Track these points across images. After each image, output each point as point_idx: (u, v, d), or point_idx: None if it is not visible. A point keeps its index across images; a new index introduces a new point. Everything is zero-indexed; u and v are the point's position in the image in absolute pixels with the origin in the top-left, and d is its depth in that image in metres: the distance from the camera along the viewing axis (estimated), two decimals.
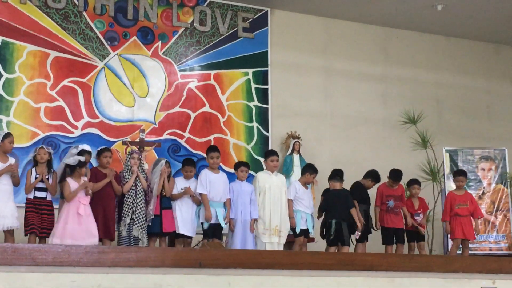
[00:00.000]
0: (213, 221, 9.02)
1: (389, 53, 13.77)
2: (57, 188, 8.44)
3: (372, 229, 10.27)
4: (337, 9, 12.94)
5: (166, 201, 9.08)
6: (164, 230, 8.94)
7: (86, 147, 8.79)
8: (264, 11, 12.71)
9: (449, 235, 10.40)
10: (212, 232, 9.01)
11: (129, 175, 8.84)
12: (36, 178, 8.32)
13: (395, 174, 10.33)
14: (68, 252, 5.96)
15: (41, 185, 8.34)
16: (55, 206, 8.54)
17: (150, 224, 8.81)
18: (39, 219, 8.21)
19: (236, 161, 11.30)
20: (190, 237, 9.23)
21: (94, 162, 9.29)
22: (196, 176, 9.51)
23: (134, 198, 8.74)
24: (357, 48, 13.48)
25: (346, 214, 9.58)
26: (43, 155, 8.42)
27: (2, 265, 5.68)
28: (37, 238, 8.21)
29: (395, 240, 10.20)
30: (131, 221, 8.62)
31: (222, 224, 9.06)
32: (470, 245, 10.67)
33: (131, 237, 8.60)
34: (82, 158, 8.42)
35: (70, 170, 8.37)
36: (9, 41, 10.87)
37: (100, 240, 8.39)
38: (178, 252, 6.55)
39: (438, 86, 13.99)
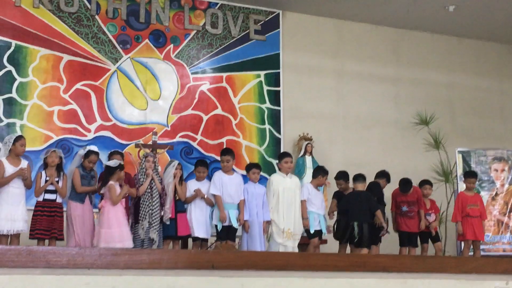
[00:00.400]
0: (226, 223, 9.08)
1: (401, 54, 13.75)
2: (67, 190, 8.53)
3: (387, 232, 10.23)
4: (348, 10, 12.95)
5: (180, 205, 9.14)
6: (179, 234, 9.00)
7: (94, 148, 8.85)
8: (275, 13, 12.74)
9: (458, 236, 10.39)
10: (226, 233, 9.05)
11: (143, 178, 8.93)
12: (46, 180, 8.36)
13: (402, 186, 10.30)
14: (82, 254, 5.97)
15: (51, 187, 8.40)
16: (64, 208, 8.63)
17: (168, 223, 8.88)
18: (49, 221, 8.27)
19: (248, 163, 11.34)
20: (206, 239, 9.26)
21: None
22: (209, 177, 9.56)
23: (150, 201, 8.82)
24: (369, 49, 13.48)
25: (368, 216, 9.58)
26: (54, 159, 8.47)
27: (17, 267, 5.70)
28: (46, 241, 8.29)
29: (409, 244, 10.18)
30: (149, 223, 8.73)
31: (235, 225, 9.09)
32: (484, 247, 10.65)
33: (145, 240, 8.70)
34: (121, 161, 8.66)
35: (109, 173, 8.46)
36: (23, 45, 10.95)
37: None
38: (191, 254, 6.55)
39: (450, 87, 13.96)
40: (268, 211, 9.33)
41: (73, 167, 8.71)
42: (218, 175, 9.31)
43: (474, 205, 10.20)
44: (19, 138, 8.41)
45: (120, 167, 8.52)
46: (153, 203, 8.80)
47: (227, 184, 9.20)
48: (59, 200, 8.46)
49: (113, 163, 8.53)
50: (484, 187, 11.79)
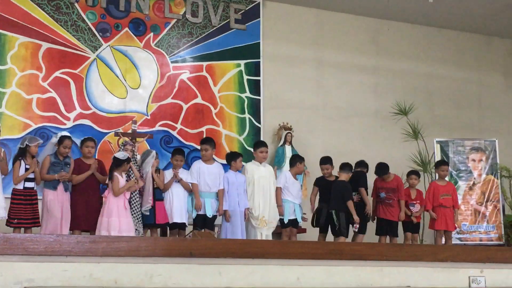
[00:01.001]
0: (201, 212, 9.15)
1: (380, 44, 13.81)
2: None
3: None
4: (329, 0, 12.97)
5: (158, 193, 9.13)
6: (157, 222, 8.99)
7: (65, 133, 8.85)
8: (256, 3, 12.75)
9: (429, 224, 10.48)
10: (202, 222, 9.10)
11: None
12: (26, 169, 8.30)
13: (378, 169, 10.35)
14: (60, 241, 5.98)
15: (30, 175, 8.36)
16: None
17: (148, 213, 8.88)
18: (30, 210, 8.25)
19: (228, 151, 11.36)
20: (184, 228, 9.28)
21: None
22: (186, 166, 9.60)
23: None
24: (349, 39, 13.53)
25: (344, 205, 9.64)
26: (34, 148, 8.41)
27: None
28: (21, 229, 8.25)
29: (388, 232, 10.22)
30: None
31: (209, 214, 9.15)
32: (461, 236, 10.77)
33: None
34: (128, 154, 8.72)
35: (116, 164, 8.53)
36: (1, 32, 10.88)
37: (84, 231, 8.55)
38: (169, 242, 6.59)
39: (429, 77, 14.05)
40: (247, 198, 9.40)
41: (44, 154, 8.66)
42: (197, 164, 9.38)
43: (446, 195, 10.30)
44: None
45: (128, 160, 8.60)
46: (132, 192, 8.80)
47: (205, 173, 9.25)
48: (35, 187, 8.44)
49: (122, 155, 8.60)
50: (462, 177, 11.90)
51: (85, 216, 8.57)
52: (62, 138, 8.64)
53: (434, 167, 11.10)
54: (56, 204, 8.43)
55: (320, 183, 10.09)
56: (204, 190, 9.22)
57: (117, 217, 8.36)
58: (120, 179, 8.53)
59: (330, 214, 9.68)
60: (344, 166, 9.97)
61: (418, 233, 10.57)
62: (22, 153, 8.38)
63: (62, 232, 8.21)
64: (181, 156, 9.48)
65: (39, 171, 8.42)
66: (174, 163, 9.48)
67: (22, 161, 8.33)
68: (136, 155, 9.29)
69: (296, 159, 10.11)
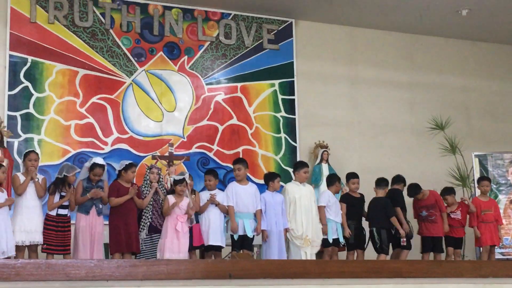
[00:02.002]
0: (241, 232, 9.08)
1: (415, 59, 13.76)
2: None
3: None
4: (361, 17, 12.98)
5: (194, 216, 9.09)
6: (194, 244, 8.95)
7: (99, 160, 8.80)
8: (288, 22, 12.79)
9: (476, 241, 10.35)
10: (241, 243, 9.06)
11: (147, 190, 8.98)
12: (61, 196, 8.36)
13: (409, 190, 10.25)
14: (101, 266, 6.06)
15: (64, 203, 8.41)
16: (72, 221, 8.62)
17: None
18: (61, 237, 8.29)
19: (265, 172, 11.38)
20: (220, 248, 9.26)
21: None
22: (223, 186, 9.64)
23: (152, 213, 8.90)
24: (383, 55, 13.50)
25: (386, 222, 9.61)
26: (72, 178, 8.50)
27: (37, 280, 5.80)
28: (54, 255, 8.23)
29: (433, 249, 10.10)
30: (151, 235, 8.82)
31: (249, 234, 9.09)
32: (503, 250, 10.61)
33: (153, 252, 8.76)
34: (186, 176, 8.91)
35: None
36: (39, 60, 11.07)
37: (123, 253, 8.53)
38: (208, 264, 6.63)
39: (465, 91, 13.94)
40: (286, 219, 9.35)
41: (79, 179, 8.69)
42: (232, 185, 9.39)
43: (488, 210, 10.17)
44: (28, 153, 8.55)
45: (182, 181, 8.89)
46: (159, 215, 8.90)
47: (241, 194, 9.24)
48: (69, 214, 8.49)
49: (178, 177, 8.92)
50: (502, 190, 11.76)
51: (125, 239, 8.54)
52: (94, 166, 8.62)
53: (476, 183, 10.97)
54: (87, 230, 8.42)
55: (346, 199, 10.01)
56: (243, 211, 9.21)
57: (170, 238, 8.54)
58: (171, 199, 8.70)
59: (371, 232, 9.65)
60: (380, 182, 9.93)
61: (461, 248, 10.43)
62: (59, 183, 8.46)
63: (93, 257, 8.20)
64: (211, 176, 9.43)
65: (74, 198, 8.47)
66: (205, 183, 9.48)
67: (57, 189, 8.39)
68: (162, 179, 9.32)
69: (334, 178, 10.10)
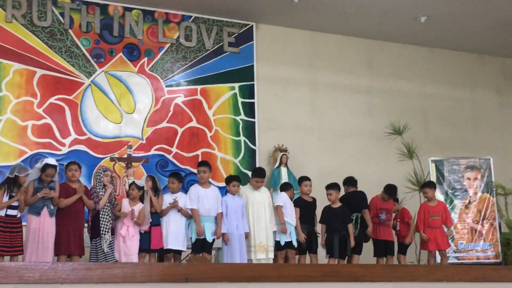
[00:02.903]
0: (202, 236, 9.09)
1: (373, 65, 13.89)
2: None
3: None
4: (321, 22, 13.06)
5: (155, 218, 9.09)
6: (152, 247, 8.96)
7: (51, 160, 8.67)
8: (249, 26, 12.83)
9: (421, 245, 10.46)
10: (201, 246, 9.08)
11: (102, 192, 8.88)
12: (11, 196, 8.20)
13: (391, 190, 10.34)
14: (55, 269, 5.97)
15: (14, 203, 8.24)
16: (24, 223, 8.49)
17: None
18: (9, 238, 8.14)
19: (224, 175, 11.40)
20: (179, 252, 9.25)
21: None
22: (184, 190, 9.59)
23: (111, 215, 8.84)
24: (342, 60, 13.61)
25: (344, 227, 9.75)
26: (23, 178, 8.35)
27: None
28: (4, 257, 8.14)
29: (386, 253, 10.22)
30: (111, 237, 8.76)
31: (209, 238, 9.08)
32: (458, 254, 10.75)
33: (108, 254, 8.69)
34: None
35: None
36: None
37: (69, 256, 8.49)
38: (164, 268, 6.57)
39: (423, 97, 14.13)
40: (247, 223, 9.41)
41: (29, 179, 8.49)
42: (194, 188, 9.34)
43: (435, 216, 10.26)
44: None
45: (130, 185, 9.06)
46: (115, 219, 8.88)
47: (203, 197, 9.22)
48: (19, 215, 8.31)
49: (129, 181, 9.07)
50: (458, 195, 11.91)
51: (70, 240, 8.47)
52: (46, 167, 8.46)
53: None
54: (38, 231, 8.28)
55: (299, 204, 10.02)
56: (204, 215, 9.17)
57: (118, 242, 8.69)
58: (125, 204, 8.83)
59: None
60: (334, 186, 10.00)
61: (405, 254, 10.55)
62: (10, 182, 8.30)
63: (46, 259, 8.13)
64: (174, 179, 9.41)
65: (23, 199, 8.29)
66: (168, 186, 9.44)
67: (7, 189, 8.22)
68: (113, 181, 9.26)
69: (288, 186, 10.16)
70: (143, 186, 8.98)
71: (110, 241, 8.71)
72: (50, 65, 11.26)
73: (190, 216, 9.24)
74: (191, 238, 9.15)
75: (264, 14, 12.65)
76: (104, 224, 8.74)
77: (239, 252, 9.20)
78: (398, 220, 10.53)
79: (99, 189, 8.91)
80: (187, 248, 9.31)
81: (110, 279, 6.05)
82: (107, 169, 9.24)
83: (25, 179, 8.40)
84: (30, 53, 11.17)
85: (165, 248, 9.06)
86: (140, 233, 8.90)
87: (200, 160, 11.33)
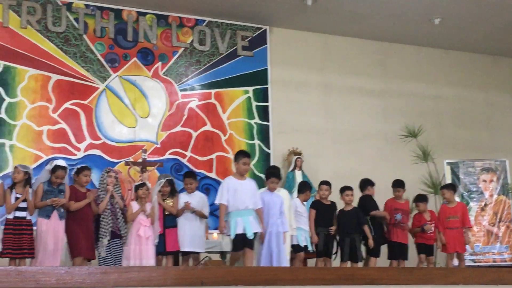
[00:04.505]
0: (239, 231, 8.20)
1: (387, 67, 13.86)
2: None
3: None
4: (335, 25, 13.05)
5: (170, 220, 8.98)
6: (167, 249, 8.86)
7: (61, 162, 8.56)
8: (262, 29, 12.84)
9: (441, 247, 10.38)
10: (242, 243, 8.24)
11: (104, 194, 8.73)
12: (17, 198, 8.06)
13: (397, 182, 10.30)
14: (71, 273, 6.00)
15: (21, 204, 8.09)
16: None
17: (157, 240, 8.75)
18: (17, 240, 7.99)
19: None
20: (198, 253, 9.16)
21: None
22: (200, 190, 9.54)
23: (112, 218, 8.65)
24: (356, 63, 13.59)
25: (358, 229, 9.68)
26: (16, 175, 8.16)
27: None
28: (16, 260, 8.03)
29: (399, 256, 10.14)
30: (109, 241, 8.60)
31: (250, 235, 8.22)
32: (474, 257, 10.70)
33: (107, 257, 8.57)
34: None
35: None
36: (11, 65, 11.01)
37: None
38: (180, 271, 6.58)
39: (437, 99, 14.08)
40: (287, 221, 8.87)
41: (38, 182, 8.41)
42: (227, 181, 8.51)
43: (454, 217, 10.18)
44: None
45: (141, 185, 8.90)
46: (119, 222, 8.70)
47: (238, 190, 8.37)
48: (28, 217, 8.17)
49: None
50: (473, 198, 11.88)
51: (85, 244, 8.38)
52: (55, 168, 8.35)
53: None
54: (48, 234, 8.18)
55: (315, 206, 9.89)
56: (241, 208, 8.29)
57: (134, 245, 8.50)
58: (135, 205, 8.65)
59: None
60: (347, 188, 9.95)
61: (433, 255, 10.48)
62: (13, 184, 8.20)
63: (55, 263, 8.04)
64: (191, 179, 9.28)
65: (32, 200, 8.20)
66: (185, 187, 9.32)
67: (13, 191, 8.09)
68: (118, 184, 9.01)
69: (306, 187, 10.06)
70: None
71: (108, 245, 8.57)
72: (65, 70, 11.32)
73: (206, 216, 9.15)
74: (229, 235, 8.38)
75: (278, 18, 12.66)
76: (103, 228, 8.59)
77: (276, 253, 8.57)
78: (430, 222, 10.38)
79: (101, 191, 8.77)
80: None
81: (126, 283, 6.08)
82: (110, 170, 9.04)
83: (13, 176, 8.19)
84: (45, 58, 11.22)
85: (181, 250, 8.96)
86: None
87: (214, 164, 11.29)
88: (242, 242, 8.22)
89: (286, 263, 8.77)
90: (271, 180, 8.90)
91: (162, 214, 8.98)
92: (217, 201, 8.38)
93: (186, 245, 8.97)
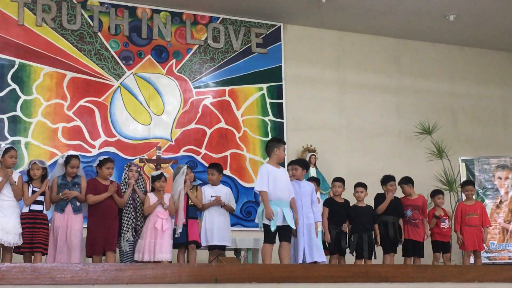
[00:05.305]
0: (280, 223, 7.96)
1: (402, 64, 13.81)
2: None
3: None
4: (349, 22, 13.03)
5: (193, 211, 8.80)
6: (189, 239, 8.62)
7: (72, 152, 8.58)
8: (277, 26, 12.83)
9: (459, 246, 10.32)
10: (283, 234, 8.03)
11: (125, 189, 8.65)
12: (34, 191, 8.03)
13: (402, 179, 10.20)
14: (86, 270, 6.03)
15: (39, 198, 8.06)
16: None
17: (180, 230, 8.56)
18: (30, 234, 7.91)
19: (253, 176, 11.42)
20: (225, 247, 9.12)
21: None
22: (223, 183, 9.48)
23: (134, 213, 8.60)
24: (370, 60, 13.55)
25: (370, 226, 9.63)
26: (36, 171, 8.13)
27: (22, 285, 5.77)
28: (31, 256, 7.98)
29: (414, 253, 10.07)
30: (133, 236, 8.53)
31: (292, 225, 8.02)
32: (489, 255, 10.65)
33: (129, 253, 8.48)
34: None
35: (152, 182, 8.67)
36: (26, 63, 11.07)
37: (103, 253, 8.24)
38: (194, 268, 6.60)
39: (452, 95, 14.01)
40: (319, 210, 8.73)
41: (53, 176, 8.34)
42: (266, 168, 8.16)
43: (473, 214, 10.11)
44: (8, 150, 8.02)
45: (159, 176, 8.64)
46: (138, 216, 8.62)
47: (278, 179, 8.07)
48: (45, 211, 8.13)
49: (156, 173, 8.78)
50: (488, 195, 11.82)
51: (104, 237, 8.21)
52: (69, 158, 8.30)
53: (461, 188, 10.96)
54: (62, 229, 8.07)
55: (328, 204, 9.79)
56: (281, 198, 8.05)
57: (150, 238, 8.28)
58: (152, 197, 8.48)
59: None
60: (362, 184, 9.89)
61: (449, 252, 10.40)
62: (28, 176, 8.18)
63: (70, 258, 7.95)
64: (214, 170, 9.17)
65: (49, 195, 8.16)
66: (209, 178, 9.20)
67: (30, 184, 8.07)
68: (141, 177, 8.94)
69: (314, 180, 10.05)
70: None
71: (131, 241, 8.49)
72: (80, 68, 11.37)
73: (233, 209, 9.09)
74: (264, 225, 8.02)
75: (292, 15, 12.65)
76: (126, 223, 8.52)
77: (308, 245, 8.29)
78: (443, 216, 10.27)
79: (123, 185, 8.70)
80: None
81: (140, 279, 6.11)
82: (132, 164, 8.97)
83: (33, 172, 8.15)
84: (60, 56, 11.28)
85: (210, 244, 8.86)
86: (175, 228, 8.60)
87: (228, 161, 11.28)
88: (278, 235, 7.98)
89: (321, 257, 8.37)
90: (295, 167, 8.70)
91: (186, 204, 8.74)
92: (257, 188, 8.06)
93: (215, 239, 8.87)
